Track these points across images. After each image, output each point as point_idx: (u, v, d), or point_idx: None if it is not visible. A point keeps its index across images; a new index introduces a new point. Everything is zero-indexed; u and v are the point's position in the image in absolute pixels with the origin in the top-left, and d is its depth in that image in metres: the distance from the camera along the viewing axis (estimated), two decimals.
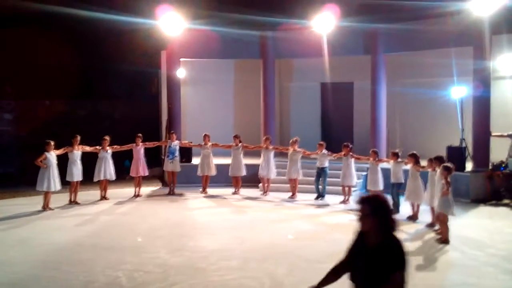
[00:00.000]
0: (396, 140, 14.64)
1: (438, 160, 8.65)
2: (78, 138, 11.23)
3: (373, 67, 13.78)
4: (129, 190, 12.72)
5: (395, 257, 2.87)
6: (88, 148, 11.54)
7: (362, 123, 14.92)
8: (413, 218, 9.50)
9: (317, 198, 11.75)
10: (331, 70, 14.42)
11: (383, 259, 2.86)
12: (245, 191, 12.73)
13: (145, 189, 13.13)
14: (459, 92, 12.33)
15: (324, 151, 11.73)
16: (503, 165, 11.63)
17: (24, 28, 16.51)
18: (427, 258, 7.10)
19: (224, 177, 12.98)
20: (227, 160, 12.91)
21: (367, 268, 2.92)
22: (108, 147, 11.77)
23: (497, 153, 11.99)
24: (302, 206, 11.19)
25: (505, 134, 11.88)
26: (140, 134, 12.42)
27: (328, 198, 11.66)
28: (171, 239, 8.17)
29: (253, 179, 12.95)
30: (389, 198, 10.03)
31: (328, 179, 11.80)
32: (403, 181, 10.12)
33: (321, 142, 12.10)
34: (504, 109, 12.69)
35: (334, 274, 3.18)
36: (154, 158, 15.58)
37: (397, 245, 2.92)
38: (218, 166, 12.85)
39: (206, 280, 6.10)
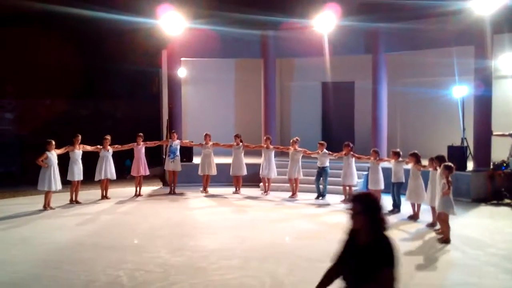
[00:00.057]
0: (397, 140, 14.63)
1: (439, 159, 8.64)
2: (79, 137, 11.24)
3: (374, 66, 13.77)
4: (130, 190, 12.73)
5: (384, 254, 2.87)
6: (89, 148, 11.55)
7: (363, 123, 14.91)
8: (414, 217, 9.50)
9: (317, 197, 11.74)
10: (332, 70, 14.41)
11: (373, 257, 2.86)
12: (245, 191, 12.73)
13: (146, 189, 13.13)
14: (461, 91, 12.31)
15: (325, 150, 11.73)
16: (504, 165, 11.61)
17: (25, 27, 16.51)
18: (428, 257, 7.10)
19: (225, 177, 13.00)
20: (228, 160, 12.91)
21: (357, 266, 2.92)
22: (109, 147, 11.78)
23: (498, 152, 11.98)
24: (303, 205, 11.18)
25: (507, 133, 11.86)
26: (141, 134, 12.42)
27: (328, 198, 11.66)
28: (172, 238, 8.17)
29: (254, 178, 12.95)
30: (390, 197, 10.09)
31: (329, 179, 11.80)
32: (404, 180, 10.12)
33: (322, 142, 12.10)
34: (505, 108, 12.67)
35: (328, 278, 3.18)
36: (155, 157, 15.59)
37: (387, 243, 2.91)
38: (219, 166, 12.86)
39: (206, 280, 6.10)
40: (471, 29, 11.57)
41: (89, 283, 5.99)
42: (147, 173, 12.58)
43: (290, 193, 12.17)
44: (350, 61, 14.76)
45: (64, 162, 11.07)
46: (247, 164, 12.71)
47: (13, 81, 18.06)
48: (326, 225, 9.33)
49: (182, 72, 14.95)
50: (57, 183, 10.54)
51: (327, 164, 11.69)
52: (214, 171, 12.76)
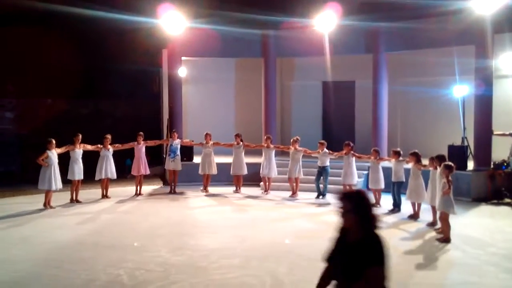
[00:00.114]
0: (398, 139, 14.63)
1: (439, 159, 8.64)
2: (80, 136, 11.24)
3: (374, 65, 13.76)
4: (130, 189, 12.74)
5: (373, 252, 2.87)
6: (89, 147, 11.55)
7: (364, 122, 14.91)
8: (414, 217, 9.50)
9: (317, 197, 11.75)
10: (332, 69, 14.40)
11: (362, 255, 2.86)
12: (246, 190, 12.73)
13: (146, 188, 13.14)
14: (461, 91, 12.30)
15: (325, 150, 11.73)
16: (505, 164, 11.61)
17: (25, 26, 16.53)
18: (428, 257, 7.10)
19: (225, 176, 13.00)
20: (228, 159, 12.92)
21: (347, 264, 2.92)
22: (109, 146, 11.78)
23: (499, 152, 11.98)
24: (303, 205, 11.18)
25: (507, 133, 11.85)
26: (141, 133, 12.42)
27: (329, 197, 11.66)
28: (172, 237, 8.18)
29: (254, 178, 12.95)
30: (390, 196, 10.08)
31: (329, 178, 11.79)
32: (404, 180, 10.12)
33: (322, 141, 12.09)
34: (506, 107, 12.67)
35: (324, 281, 3.17)
36: (156, 156, 15.60)
37: (376, 241, 2.91)
38: (219, 165, 12.86)
39: (207, 279, 6.10)
40: (471, 28, 11.56)
41: (89, 282, 5.99)
42: (148, 172, 12.58)
43: (290, 192, 12.17)
44: (351, 61, 14.75)
45: (65, 161, 11.08)
46: (247, 164, 12.71)
47: (14, 80, 18.08)
48: (326, 224, 9.31)
49: (182, 72, 14.95)
50: (57, 182, 10.55)
51: (328, 163, 11.69)
52: (214, 171, 12.76)
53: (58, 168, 10.60)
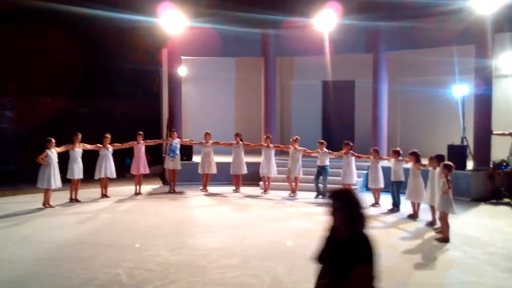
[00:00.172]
0: (397, 138, 14.63)
1: (438, 158, 8.64)
2: (79, 136, 11.24)
3: (374, 65, 13.76)
4: (130, 188, 12.73)
5: (361, 251, 2.85)
6: (89, 146, 11.55)
7: (363, 122, 14.92)
8: (413, 216, 9.50)
9: (317, 196, 11.74)
10: (332, 68, 14.40)
11: (350, 254, 2.85)
12: (245, 189, 12.73)
13: (146, 187, 13.14)
14: (461, 90, 12.30)
15: (325, 149, 11.72)
16: (504, 164, 11.61)
17: (25, 25, 16.53)
18: (427, 256, 7.10)
19: (225, 175, 13.00)
20: (228, 158, 12.91)
21: (335, 263, 2.91)
22: (109, 145, 11.78)
23: (498, 151, 11.98)
24: (303, 204, 11.18)
25: (506, 132, 11.86)
26: (141, 132, 12.42)
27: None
28: (172, 237, 8.18)
29: (253, 177, 12.95)
30: (389, 196, 10.07)
31: (328, 178, 11.79)
32: (403, 179, 10.12)
33: (322, 141, 12.09)
34: (505, 107, 12.67)
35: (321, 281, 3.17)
36: (155, 156, 15.60)
37: (364, 240, 2.89)
38: (219, 164, 12.86)
39: (206, 278, 6.10)
40: (471, 28, 11.55)
41: (88, 282, 5.99)
42: (147, 171, 12.58)
43: (289, 192, 12.17)
44: (351, 60, 14.75)
45: (64, 160, 11.07)
46: (247, 163, 12.71)
47: (14, 79, 18.07)
48: (325, 224, 9.31)
49: (182, 71, 14.94)
50: (56, 181, 10.54)
51: (327, 163, 11.69)
52: (214, 170, 12.76)
53: (57, 167, 10.60)
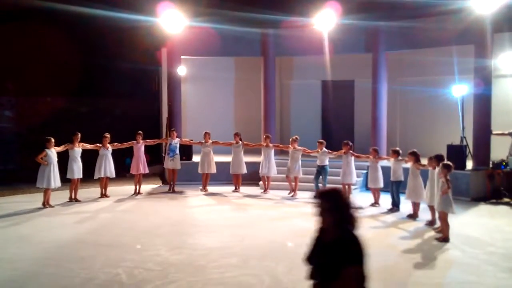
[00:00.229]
0: (397, 138, 14.64)
1: (438, 158, 8.64)
2: (79, 135, 11.23)
3: (374, 65, 13.76)
4: (129, 188, 12.73)
5: (349, 252, 2.81)
6: (88, 146, 11.54)
7: (363, 121, 14.92)
8: (413, 216, 9.50)
9: None
10: (332, 68, 14.40)
11: (338, 254, 2.81)
12: (245, 189, 12.73)
13: (145, 187, 13.13)
14: (460, 90, 12.31)
15: (324, 149, 11.72)
16: (504, 164, 11.62)
17: (25, 25, 16.50)
18: (427, 256, 7.10)
19: (225, 175, 13.00)
20: (227, 158, 12.91)
21: (324, 264, 2.88)
22: (108, 145, 11.77)
23: (498, 151, 11.99)
24: (302, 204, 11.17)
25: (506, 132, 11.87)
26: (140, 132, 12.42)
27: None
28: (171, 236, 8.17)
29: (253, 177, 12.95)
30: (389, 196, 10.07)
31: (328, 177, 11.79)
32: (402, 179, 10.12)
33: (321, 140, 12.09)
34: (505, 107, 12.68)
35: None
36: (155, 155, 15.59)
37: (353, 240, 2.85)
38: (219, 164, 12.86)
39: (205, 278, 6.10)
40: (471, 28, 11.56)
41: (88, 281, 5.99)
42: (147, 171, 12.57)
43: (288, 191, 12.17)
44: (350, 60, 14.75)
45: (64, 160, 11.07)
46: (246, 163, 12.71)
47: (13, 78, 18.05)
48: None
49: (181, 70, 14.93)
50: (56, 181, 10.53)
51: (327, 162, 11.68)
52: (213, 170, 12.76)
53: (57, 167, 10.59)
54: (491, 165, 11.73)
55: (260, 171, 12.53)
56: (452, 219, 8.09)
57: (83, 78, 17.83)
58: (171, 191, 12.60)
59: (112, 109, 19.17)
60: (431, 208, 8.84)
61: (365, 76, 14.32)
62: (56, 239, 7.98)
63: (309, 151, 12.13)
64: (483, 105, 11.82)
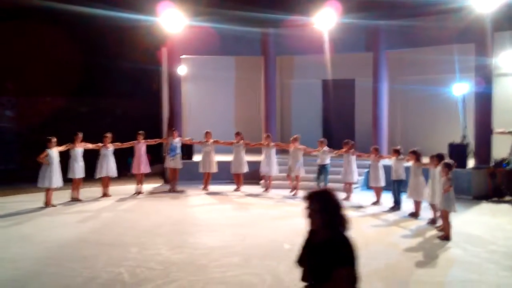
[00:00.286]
0: (398, 137, 14.64)
1: (439, 157, 8.64)
2: (80, 135, 11.25)
3: (374, 64, 13.76)
4: (131, 187, 12.74)
5: (340, 253, 2.78)
6: (90, 145, 11.56)
7: (364, 120, 14.92)
8: (414, 215, 9.50)
9: None
10: (332, 67, 14.40)
11: (329, 256, 2.79)
12: (246, 188, 12.73)
13: (147, 186, 13.14)
14: (461, 89, 12.31)
15: (325, 148, 11.72)
16: (505, 162, 11.62)
17: (25, 24, 16.50)
18: (429, 254, 7.10)
19: (226, 174, 13.00)
20: (228, 157, 12.91)
21: (315, 265, 2.85)
22: (109, 144, 11.78)
23: (499, 150, 11.98)
24: (304, 203, 11.16)
25: (507, 131, 11.87)
26: (141, 132, 12.42)
27: None
28: (173, 235, 8.18)
29: (254, 176, 12.96)
30: (391, 194, 10.06)
31: (329, 176, 11.79)
32: (404, 178, 10.12)
33: (322, 139, 12.08)
34: (506, 105, 12.67)
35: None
36: (156, 155, 15.58)
37: (344, 241, 2.81)
38: (220, 163, 12.86)
39: (207, 277, 6.10)
40: (471, 26, 11.56)
41: (90, 280, 5.99)
42: (148, 170, 12.58)
43: (290, 190, 12.17)
44: (351, 59, 14.74)
45: (65, 159, 11.08)
46: (248, 162, 12.71)
47: (13, 78, 18.06)
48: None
49: (182, 70, 14.93)
50: (57, 180, 10.55)
51: (328, 161, 11.68)
52: (214, 169, 12.76)
53: (59, 166, 10.61)
54: (492, 164, 11.73)
55: (261, 170, 12.53)
56: (453, 218, 8.09)
57: (83, 78, 17.83)
58: (172, 190, 12.60)
59: (113, 109, 19.18)
60: (433, 207, 8.84)
61: (365, 75, 14.31)
62: (58, 239, 7.98)
63: (310, 150, 12.13)
64: (484, 104, 11.82)
